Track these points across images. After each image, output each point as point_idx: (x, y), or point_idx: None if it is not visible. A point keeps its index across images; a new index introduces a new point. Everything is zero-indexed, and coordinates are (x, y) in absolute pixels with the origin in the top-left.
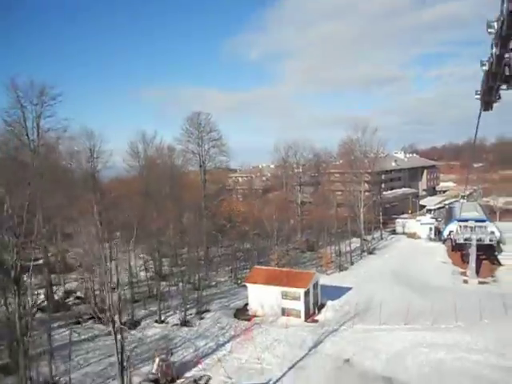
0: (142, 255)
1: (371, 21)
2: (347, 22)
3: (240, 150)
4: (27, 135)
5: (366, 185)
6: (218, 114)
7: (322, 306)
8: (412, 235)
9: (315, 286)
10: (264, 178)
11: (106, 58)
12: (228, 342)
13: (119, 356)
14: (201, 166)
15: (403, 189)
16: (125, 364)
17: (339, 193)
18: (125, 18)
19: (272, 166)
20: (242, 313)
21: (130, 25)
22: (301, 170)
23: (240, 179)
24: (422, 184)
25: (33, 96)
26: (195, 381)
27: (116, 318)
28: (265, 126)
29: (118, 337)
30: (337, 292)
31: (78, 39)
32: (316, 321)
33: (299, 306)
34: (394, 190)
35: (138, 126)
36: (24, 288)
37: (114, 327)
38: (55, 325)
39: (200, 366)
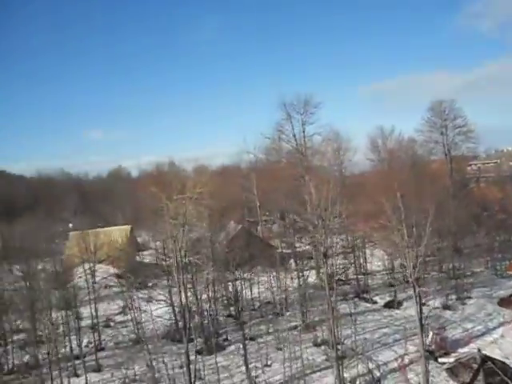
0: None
1: None
2: None
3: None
4: (295, 141)
5: None
6: (451, 97)
7: None
8: None
9: None
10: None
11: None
12: (498, 327)
13: (420, 316)
14: (446, 155)
15: None
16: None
17: None
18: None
19: None
20: (507, 302)
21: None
22: None
23: (481, 165)
24: None
25: (299, 107)
26: (479, 350)
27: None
28: (505, 104)
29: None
30: None
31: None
32: None
33: None
34: None
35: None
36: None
37: (415, 292)
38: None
39: (472, 344)
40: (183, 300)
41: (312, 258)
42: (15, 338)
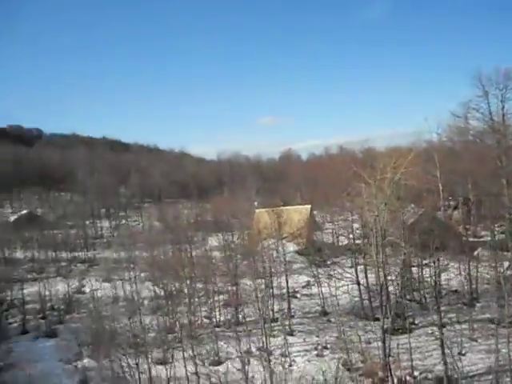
0: None
1: None
2: None
3: None
4: (491, 119)
5: None
6: None
7: None
8: None
9: None
10: None
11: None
12: None
13: None
14: None
15: None
16: None
17: None
18: None
19: None
20: None
21: None
22: None
23: None
24: None
25: (498, 82)
26: None
27: None
28: None
29: None
30: None
31: None
32: None
33: None
34: None
35: None
36: None
37: None
38: None
39: None
40: (381, 279)
41: (508, 251)
42: (220, 297)
